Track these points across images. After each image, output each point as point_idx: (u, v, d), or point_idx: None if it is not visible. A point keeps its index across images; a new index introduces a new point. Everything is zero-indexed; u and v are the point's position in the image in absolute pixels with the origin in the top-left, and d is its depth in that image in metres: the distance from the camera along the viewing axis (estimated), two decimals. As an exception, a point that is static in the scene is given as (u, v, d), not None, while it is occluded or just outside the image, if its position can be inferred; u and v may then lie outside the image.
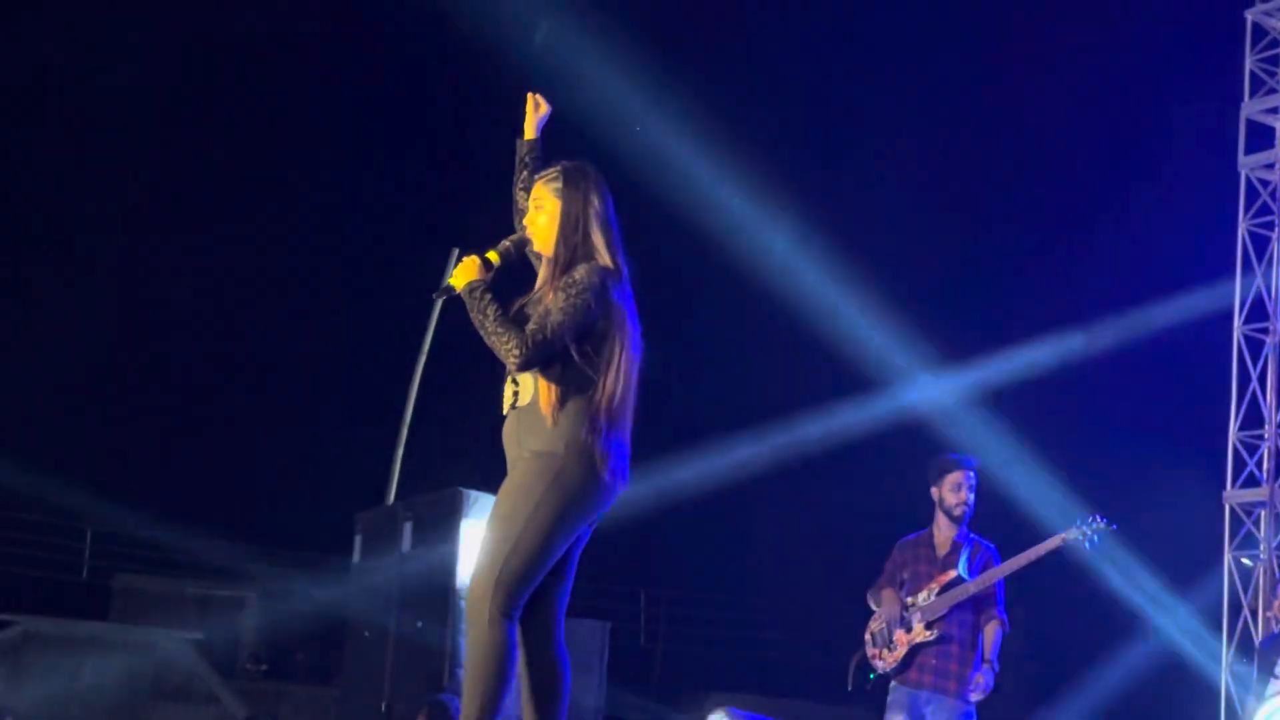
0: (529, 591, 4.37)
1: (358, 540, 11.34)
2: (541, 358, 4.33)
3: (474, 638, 4.33)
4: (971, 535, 7.24)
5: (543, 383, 4.39)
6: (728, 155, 14.12)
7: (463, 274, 4.45)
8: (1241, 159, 13.88)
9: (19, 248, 19.04)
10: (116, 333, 20.18)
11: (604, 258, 4.46)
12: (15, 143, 18.26)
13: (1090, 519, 7.04)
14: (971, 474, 7.26)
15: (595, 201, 4.51)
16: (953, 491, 7.24)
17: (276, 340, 19.29)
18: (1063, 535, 7.03)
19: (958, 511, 7.23)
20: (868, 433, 15.80)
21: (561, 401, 4.37)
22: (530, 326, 4.33)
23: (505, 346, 4.32)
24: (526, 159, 4.82)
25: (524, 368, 4.35)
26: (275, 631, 21.27)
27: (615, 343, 4.40)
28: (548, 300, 4.39)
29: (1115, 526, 7.05)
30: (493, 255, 4.53)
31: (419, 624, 9.86)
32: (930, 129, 17.37)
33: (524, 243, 4.60)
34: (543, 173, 4.60)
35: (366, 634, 10.80)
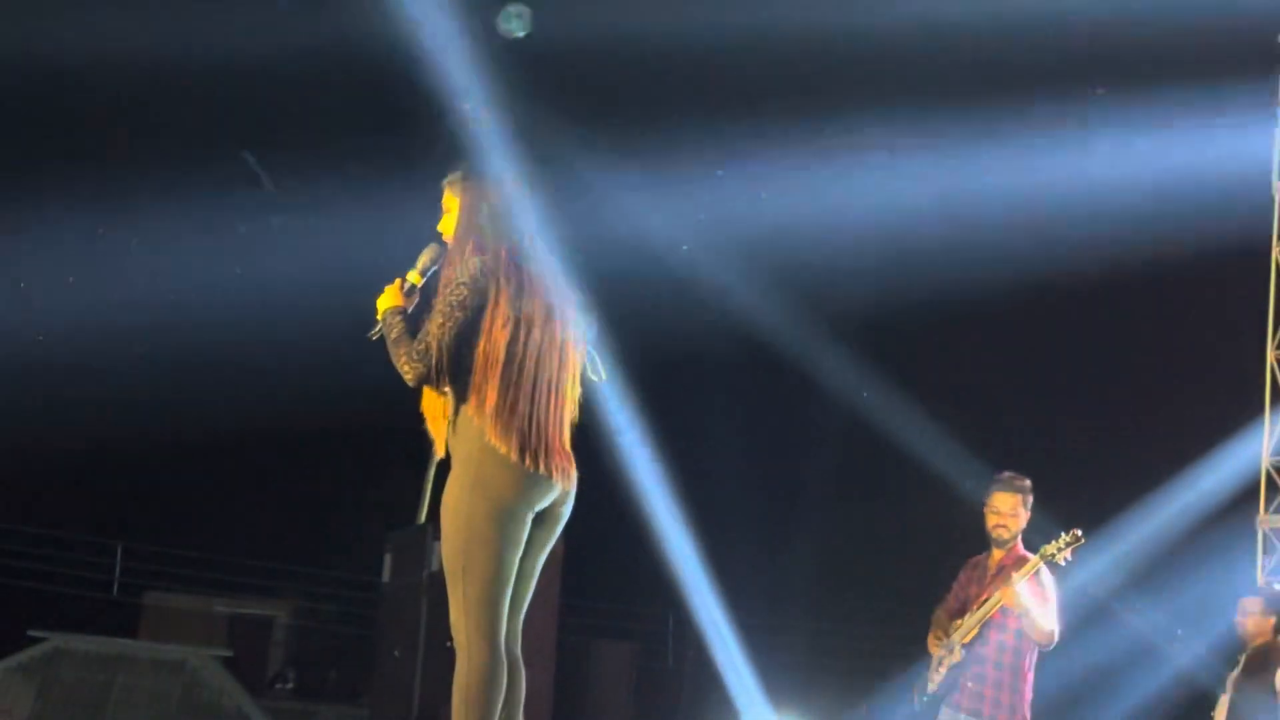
0: (502, 606, 4.26)
1: (388, 559, 11.37)
2: (430, 368, 4.23)
3: (458, 666, 4.25)
4: (1022, 556, 7.16)
5: (451, 390, 4.31)
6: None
7: (383, 301, 4.40)
8: (1275, 183, 13.84)
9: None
10: (149, 347, 20.25)
11: (488, 254, 4.34)
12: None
13: (1065, 533, 6.94)
14: (1016, 497, 7.20)
15: (491, 195, 4.42)
16: (992, 514, 7.22)
17: (308, 357, 19.33)
18: (1042, 551, 6.95)
19: (995, 534, 7.20)
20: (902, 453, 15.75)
21: (461, 403, 4.28)
22: (416, 339, 4.26)
23: (399, 365, 4.27)
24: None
25: (419, 381, 4.27)
26: (305, 650, 21.32)
27: (486, 333, 4.27)
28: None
29: (1084, 540, 6.96)
30: (413, 276, 4.45)
31: (448, 644, 9.85)
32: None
33: (441, 253, 4.51)
34: (449, 177, 4.55)
35: (396, 653, 10.81)
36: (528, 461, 4.23)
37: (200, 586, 20.22)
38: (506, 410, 4.22)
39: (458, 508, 4.24)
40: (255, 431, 20.69)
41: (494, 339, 4.24)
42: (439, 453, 4.42)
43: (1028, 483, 7.24)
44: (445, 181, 4.53)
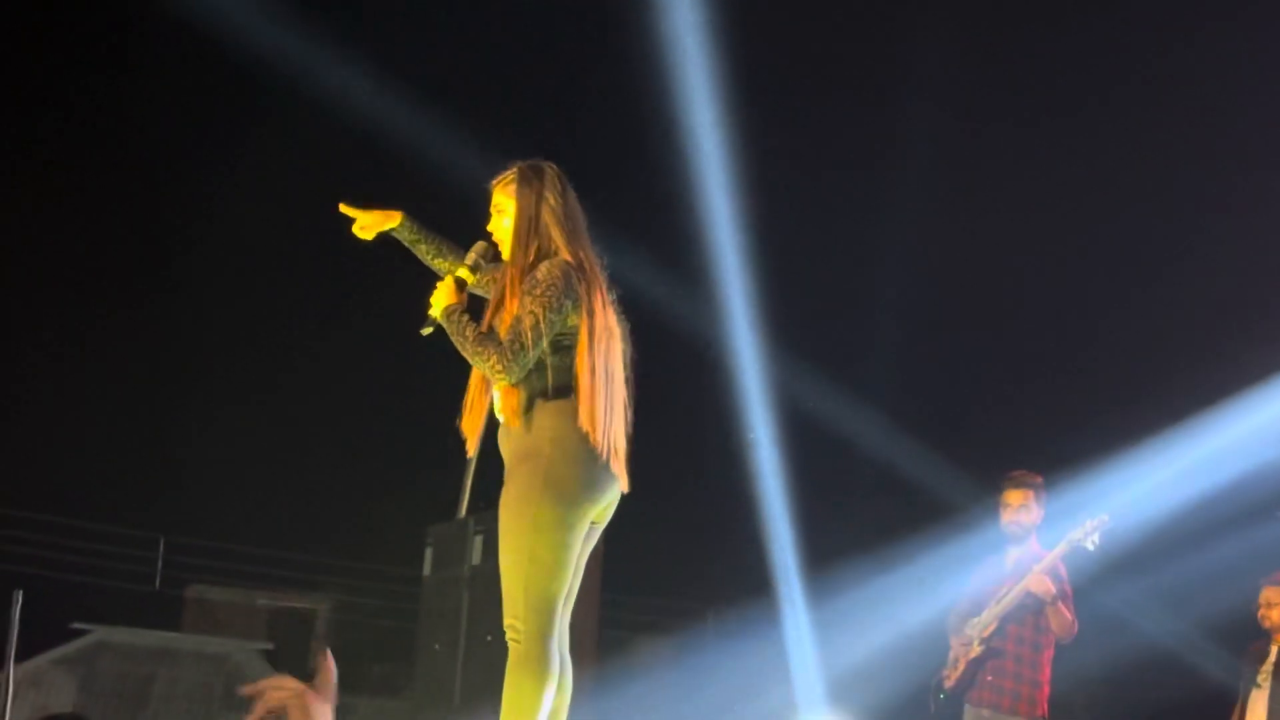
0: (560, 601, 4.24)
1: (429, 553, 11.39)
2: (524, 366, 4.22)
3: (513, 660, 4.19)
4: (1038, 552, 7.16)
5: (518, 387, 4.29)
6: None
7: (440, 298, 4.35)
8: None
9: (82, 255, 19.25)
10: (190, 341, 20.37)
11: (565, 253, 4.35)
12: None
13: (1092, 517, 6.92)
14: (1027, 492, 7.21)
15: (551, 198, 4.40)
16: (1005, 510, 7.25)
17: (349, 351, 19.42)
18: (1068, 537, 6.93)
19: (1007, 531, 7.23)
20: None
21: (541, 400, 4.27)
22: (506, 338, 4.22)
23: (488, 364, 4.22)
24: (415, 236, 4.68)
25: (514, 380, 4.25)
26: (346, 643, 21.39)
27: (589, 334, 4.28)
28: (514, 306, 4.28)
29: (1114, 523, 6.92)
30: (464, 273, 4.41)
31: (489, 638, 9.87)
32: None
33: (490, 249, 4.48)
34: (499, 178, 4.51)
35: (437, 647, 10.83)
36: (612, 465, 4.29)
37: (242, 580, 20.32)
38: (603, 413, 4.27)
39: (526, 502, 4.23)
40: (297, 426, 20.82)
41: (596, 346, 4.29)
42: (470, 451, 4.43)
43: (1039, 479, 7.26)
44: (495, 183, 4.51)
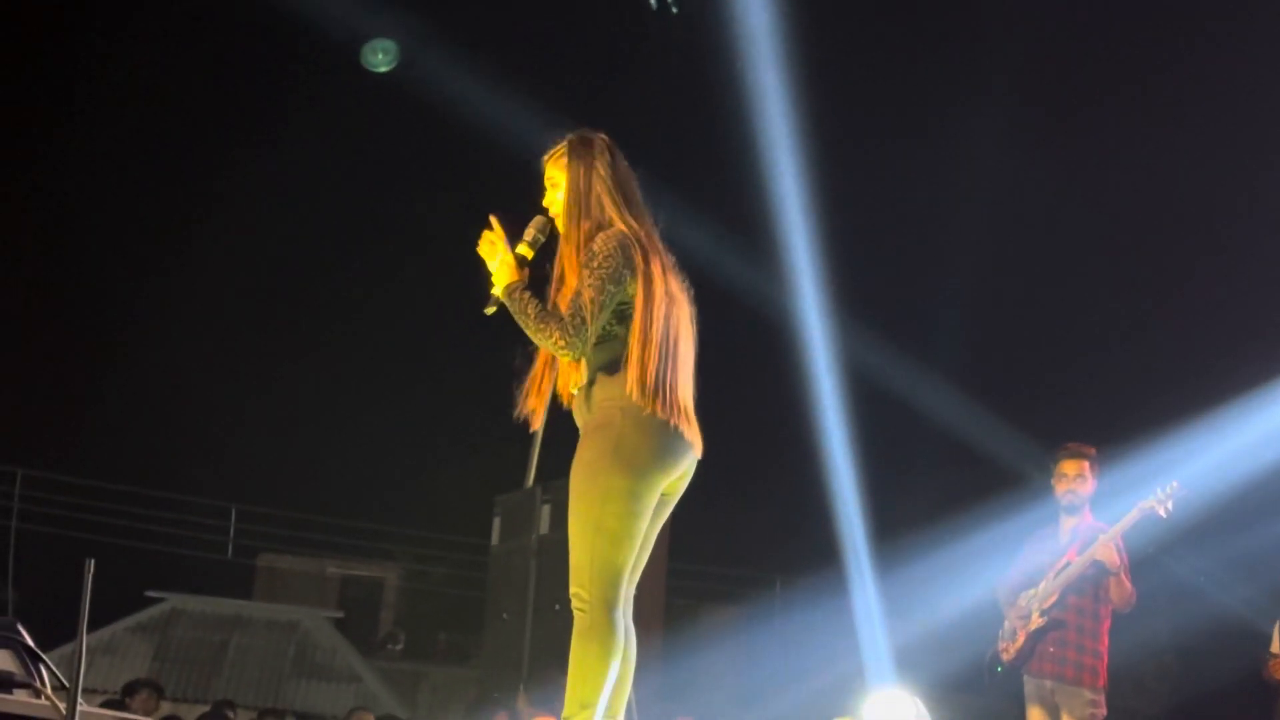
0: (627, 571, 4.22)
1: (497, 522, 11.40)
2: (586, 339, 4.20)
3: (579, 629, 4.18)
4: (1095, 524, 7.13)
5: (584, 360, 4.28)
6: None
7: (501, 276, 4.33)
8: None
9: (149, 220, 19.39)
10: (260, 315, 20.52)
11: (619, 224, 4.32)
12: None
13: (1164, 485, 6.87)
14: (1083, 463, 7.19)
15: (602, 169, 4.38)
16: (1061, 481, 7.22)
17: (420, 322, 19.51)
18: (1139, 505, 6.89)
19: (1063, 501, 7.21)
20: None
21: (607, 371, 4.25)
22: (566, 313, 4.20)
23: (550, 340, 4.20)
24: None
25: (578, 355, 4.23)
26: (414, 612, 21.57)
27: (644, 301, 4.25)
28: (573, 281, 4.27)
29: (1186, 490, 6.86)
30: (524, 249, 4.37)
31: (557, 607, 9.89)
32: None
33: (547, 224, 4.44)
34: (549, 152, 4.47)
35: (505, 616, 10.86)
36: (685, 431, 4.27)
37: (313, 549, 20.52)
38: (666, 384, 4.24)
39: (595, 472, 4.22)
40: (368, 397, 20.96)
41: (653, 313, 4.25)
42: (535, 426, 4.43)
43: (1093, 450, 7.23)
44: (547, 156, 4.47)
